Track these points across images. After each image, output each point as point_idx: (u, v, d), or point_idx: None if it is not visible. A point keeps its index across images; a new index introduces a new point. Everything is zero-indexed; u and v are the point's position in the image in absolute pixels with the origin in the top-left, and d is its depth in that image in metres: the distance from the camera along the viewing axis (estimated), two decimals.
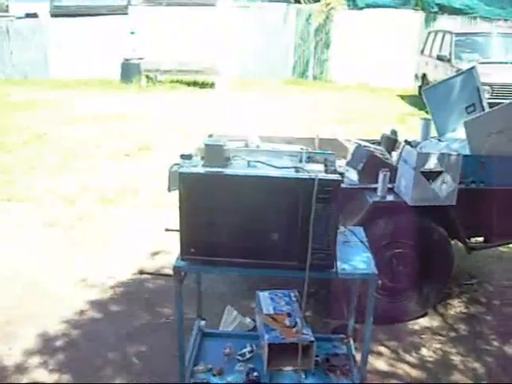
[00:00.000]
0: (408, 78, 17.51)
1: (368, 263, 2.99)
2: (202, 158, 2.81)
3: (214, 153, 2.75)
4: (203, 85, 16.88)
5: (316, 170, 2.74)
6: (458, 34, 13.65)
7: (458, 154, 3.87)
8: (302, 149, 4.29)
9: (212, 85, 16.40)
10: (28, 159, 8.66)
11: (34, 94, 15.24)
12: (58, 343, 4.01)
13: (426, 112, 6.80)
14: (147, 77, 16.58)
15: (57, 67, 18.53)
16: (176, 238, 3.22)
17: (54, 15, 19.43)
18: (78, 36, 18.38)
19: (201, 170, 2.70)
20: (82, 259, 5.31)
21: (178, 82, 16.96)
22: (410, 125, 11.20)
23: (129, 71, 16.56)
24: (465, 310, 4.60)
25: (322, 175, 2.68)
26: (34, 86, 16.71)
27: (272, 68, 18.58)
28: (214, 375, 3.40)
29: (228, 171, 2.71)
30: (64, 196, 6.98)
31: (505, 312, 4.61)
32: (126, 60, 16.81)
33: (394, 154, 4.73)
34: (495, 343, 4.17)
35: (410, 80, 17.26)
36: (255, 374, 3.33)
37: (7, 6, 18.50)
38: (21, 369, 3.71)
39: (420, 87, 15.05)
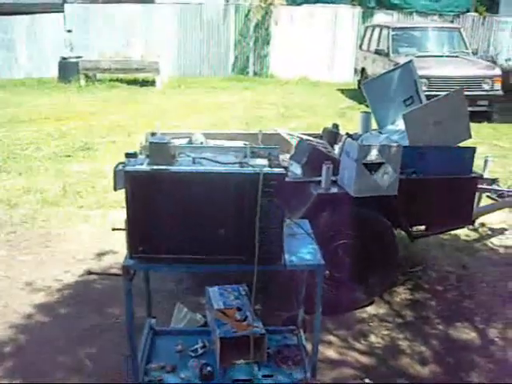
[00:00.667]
0: (347, 72, 17.84)
1: (315, 254, 3.05)
2: (147, 156, 2.81)
3: (160, 150, 2.75)
4: (144, 82, 16.72)
5: (260, 165, 2.78)
6: (395, 29, 13.94)
7: (399, 145, 3.97)
8: (245, 144, 4.33)
9: (153, 82, 16.25)
10: None
11: None
12: (6, 349, 3.93)
13: (366, 105, 6.96)
14: (86, 76, 16.29)
15: None
16: (122, 236, 3.21)
17: None
18: (12, 35, 17.88)
19: (146, 167, 2.70)
20: (26, 263, 5.20)
21: (117, 80, 16.73)
22: (350, 118, 11.41)
23: (67, 70, 16.22)
24: (410, 297, 4.73)
25: (267, 169, 2.72)
26: None
27: (213, 65, 18.58)
28: (167, 372, 3.40)
29: (174, 168, 2.72)
30: (4, 199, 6.81)
31: (448, 297, 4.77)
32: (64, 59, 16.46)
33: (337, 147, 4.83)
34: (440, 327, 4.31)
35: (350, 74, 17.58)
36: (208, 368, 3.35)
37: None
38: None
39: (359, 81, 15.33)
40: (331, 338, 4.12)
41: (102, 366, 3.73)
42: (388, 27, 14.15)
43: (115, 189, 3.31)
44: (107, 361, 3.78)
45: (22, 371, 3.70)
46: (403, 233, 4.67)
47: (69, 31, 17.30)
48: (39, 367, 3.74)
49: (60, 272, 5.03)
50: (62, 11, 18.11)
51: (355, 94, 14.60)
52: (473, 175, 4.55)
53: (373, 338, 4.16)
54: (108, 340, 4.02)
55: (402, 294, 4.78)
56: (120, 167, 2.90)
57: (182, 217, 2.72)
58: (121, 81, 16.74)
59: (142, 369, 3.39)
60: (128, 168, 2.69)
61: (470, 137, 4.67)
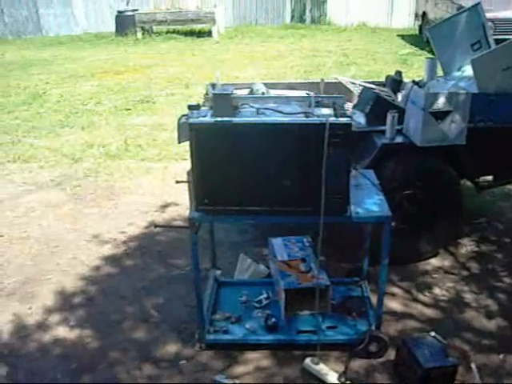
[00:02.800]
0: (407, 17, 17.25)
1: (381, 205, 3.00)
2: (211, 107, 2.79)
3: (223, 102, 2.72)
4: (200, 33, 16.61)
5: (326, 114, 2.72)
6: None
7: (467, 93, 3.82)
8: (307, 94, 4.25)
9: (209, 33, 16.13)
10: (29, 118, 8.60)
11: (28, 52, 15.06)
12: (77, 300, 4.05)
13: (428, 51, 6.73)
14: (142, 29, 16.30)
15: (49, 24, 18.22)
16: (184, 189, 3.23)
17: None
18: None
19: (210, 119, 2.68)
20: (92, 216, 5.33)
21: (174, 32, 16.68)
22: (411, 65, 11.09)
23: (123, 24, 16.27)
24: (476, 249, 4.62)
25: (333, 119, 2.65)
26: (28, 44, 16.50)
27: (269, 14, 18.26)
28: (232, 323, 3.46)
29: (237, 120, 2.69)
30: (68, 154, 6.96)
31: None
32: (120, 13, 16.50)
33: (400, 95, 4.68)
34: (507, 280, 4.20)
35: (410, 19, 17.00)
36: (273, 319, 3.38)
37: None
38: (42, 327, 3.76)
39: (420, 26, 14.81)
40: (395, 289, 4.08)
41: (169, 316, 3.81)
42: None
43: (179, 141, 3.32)
44: (173, 311, 3.86)
45: (92, 321, 3.82)
46: (469, 183, 4.54)
47: None
48: (108, 317, 3.85)
49: (125, 224, 5.13)
50: None
51: (416, 40, 14.15)
52: None
53: (437, 291, 4.09)
54: (173, 291, 4.10)
55: (467, 245, 4.67)
56: (183, 119, 2.89)
57: (246, 168, 2.71)
58: (177, 32, 16.68)
59: (208, 319, 3.45)
60: (192, 120, 2.68)
61: None
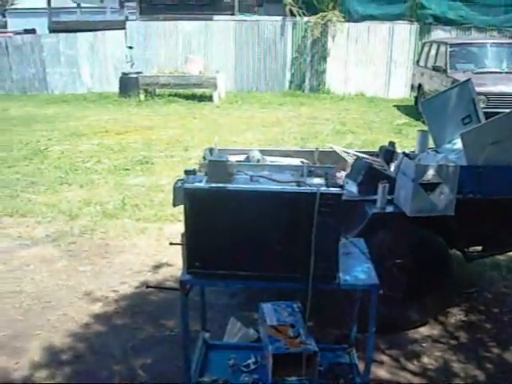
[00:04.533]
0: (404, 88, 17.70)
1: (369, 274, 3.06)
2: (206, 173, 2.88)
3: (218, 168, 2.82)
4: (201, 97, 16.97)
5: (317, 184, 2.81)
6: (452, 45, 13.75)
7: (456, 165, 3.94)
8: (302, 162, 4.37)
9: (210, 98, 16.49)
10: (29, 174, 8.73)
11: (33, 109, 15.35)
12: (65, 357, 4.05)
13: (422, 122, 6.91)
14: (145, 91, 16.67)
15: (55, 82, 18.66)
16: (178, 250, 3.29)
17: (52, 30, 19.60)
18: (76, 51, 18.52)
19: (205, 185, 2.77)
20: (85, 273, 5.36)
21: (176, 95, 17.04)
22: (406, 135, 11.32)
23: (127, 86, 16.65)
24: (465, 318, 4.65)
25: (324, 189, 2.75)
26: (33, 101, 16.83)
27: (269, 81, 18.72)
28: None
29: (231, 186, 2.78)
30: (65, 210, 7.04)
31: (504, 319, 4.66)
32: (124, 74, 16.91)
33: (393, 166, 4.81)
34: (495, 350, 4.22)
35: (406, 90, 17.44)
36: None
37: (6, 22, 18.62)
38: (28, 382, 3.75)
39: (416, 97, 15.18)
40: (383, 357, 4.08)
41: (156, 377, 3.81)
42: (446, 43, 13.97)
43: (174, 205, 3.40)
44: (161, 372, 3.86)
45: (79, 378, 3.81)
46: (459, 253, 4.61)
47: (130, 47, 17.77)
48: (95, 375, 3.84)
49: (117, 283, 5.16)
50: (124, 28, 18.64)
51: (412, 111, 14.46)
52: None
53: (425, 360, 4.10)
54: (162, 352, 4.10)
55: (456, 315, 4.70)
56: (179, 184, 2.98)
57: (238, 234, 2.78)
58: (179, 96, 17.04)
59: (195, 381, 3.45)
60: (187, 185, 2.77)
61: None
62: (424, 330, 4.44)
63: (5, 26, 36.99)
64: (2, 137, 11.57)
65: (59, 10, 21.57)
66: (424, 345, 4.27)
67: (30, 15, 32.21)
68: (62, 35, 18.62)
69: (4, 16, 40.71)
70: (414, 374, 3.92)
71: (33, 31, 25.52)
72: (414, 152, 4.87)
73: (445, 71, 13.20)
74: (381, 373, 3.89)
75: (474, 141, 4.44)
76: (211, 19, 18.63)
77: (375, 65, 18.13)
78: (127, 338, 4.28)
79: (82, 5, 21.69)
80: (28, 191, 7.84)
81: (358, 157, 4.85)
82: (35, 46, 18.45)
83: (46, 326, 4.44)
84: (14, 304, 4.78)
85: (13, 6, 40.76)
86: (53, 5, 21.83)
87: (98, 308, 4.73)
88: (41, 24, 24.40)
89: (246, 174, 2.92)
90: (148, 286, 4.22)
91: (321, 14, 18.01)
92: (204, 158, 4.61)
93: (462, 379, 3.87)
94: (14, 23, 33.78)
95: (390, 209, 4.09)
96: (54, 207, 7.16)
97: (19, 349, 4.14)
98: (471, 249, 4.69)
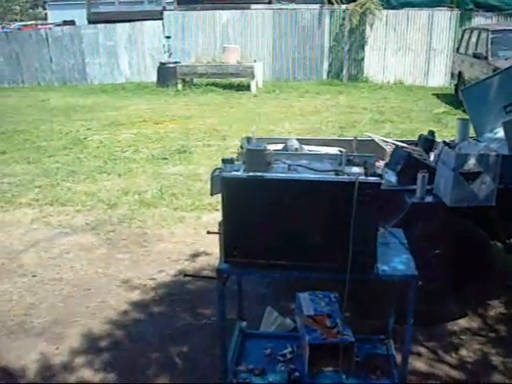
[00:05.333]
0: (443, 76, 17.41)
1: (408, 264, 3.02)
2: (244, 162, 2.87)
3: (256, 157, 2.81)
4: (239, 87, 16.98)
5: (356, 173, 2.78)
6: (494, 31, 13.45)
7: (497, 155, 3.85)
8: (340, 151, 4.33)
9: (248, 87, 16.47)
10: (68, 163, 8.88)
11: (72, 99, 15.58)
12: (103, 343, 4.12)
13: (463, 111, 6.78)
14: (183, 80, 16.76)
15: (94, 73, 18.90)
16: (215, 239, 3.30)
17: (91, 21, 19.85)
18: (114, 42, 18.71)
19: (243, 174, 2.77)
20: (123, 261, 5.43)
21: (213, 84, 17.08)
22: (445, 124, 11.13)
23: (165, 75, 16.77)
24: (505, 311, 4.56)
25: (362, 178, 2.71)
26: (73, 91, 17.09)
27: (307, 70, 18.61)
28: (255, 375, 3.45)
29: (269, 175, 2.77)
30: (104, 199, 7.13)
31: None
32: (162, 64, 17.02)
33: (432, 155, 4.73)
34: None
35: (446, 78, 17.15)
36: (297, 374, 3.38)
37: (46, 15, 18.93)
38: (67, 368, 3.82)
39: (456, 85, 14.92)
40: (421, 349, 4.04)
41: (193, 365, 3.84)
42: (487, 30, 13.68)
43: (212, 194, 3.41)
44: (198, 360, 3.89)
45: (117, 365, 3.87)
46: (500, 244, 4.52)
47: (167, 37, 17.86)
48: (133, 362, 3.89)
49: (155, 271, 5.21)
50: (161, 18, 18.74)
51: (451, 99, 14.22)
52: None
53: (464, 352, 4.03)
54: (199, 340, 4.13)
55: (496, 307, 4.61)
56: (217, 173, 2.98)
57: (276, 223, 2.77)
58: (216, 85, 17.07)
59: (231, 370, 3.46)
60: (225, 174, 2.77)
61: None
62: (463, 323, 4.37)
63: (45, 18, 37.61)
64: (43, 127, 11.78)
65: (98, 1, 21.76)
66: (463, 337, 4.21)
67: (69, 7, 32.59)
68: (101, 26, 18.84)
69: (44, 8, 41.34)
70: (452, 366, 3.87)
71: (72, 23, 25.88)
72: (454, 141, 4.78)
73: (486, 58, 12.93)
74: (418, 364, 3.85)
75: None
76: (249, 8, 18.58)
77: (414, 53, 17.87)
78: (164, 326, 4.32)
79: None
80: (68, 180, 7.98)
81: (396, 146, 4.78)
82: (75, 37, 18.72)
83: (85, 313, 4.51)
84: (54, 291, 4.87)
85: None
86: None
87: (135, 296, 4.79)
88: (80, 15, 24.70)
89: (284, 163, 2.90)
90: (186, 275, 4.25)
91: (359, 1, 17.82)
92: (241, 147, 4.60)
93: (501, 373, 3.80)
94: (54, 15, 34.30)
95: (429, 199, 4.03)
96: (93, 196, 7.27)
97: (59, 335, 4.22)
98: None
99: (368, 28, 18.03)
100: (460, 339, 4.19)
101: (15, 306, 4.65)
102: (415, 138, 5.28)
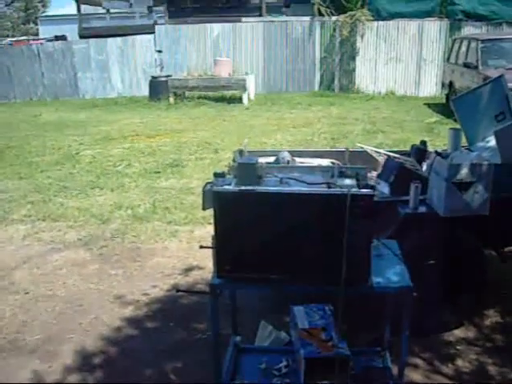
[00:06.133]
0: (434, 86, 17.51)
1: (402, 276, 3.00)
2: (235, 176, 2.86)
3: (247, 171, 2.80)
4: (231, 99, 17.00)
5: (348, 185, 2.77)
6: (483, 41, 13.53)
7: (490, 164, 3.85)
8: (332, 163, 4.32)
9: (240, 99, 16.50)
10: (61, 178, 8.84)
11: (64, 113, 15.57)
12: (96, 360, 4.08)
13: (454, 120, 6.76)
14: (175, 94, 16.77)
15: (86, 87, 18.92)
16: (209, 253, 3.27)
17: (82, 36, 19.89)
18: (106, 56, 18.74)
19: (234, 188, 2.75)
20: (116, 277, 5.39)
21: (205, 97, 17.10)
22: (438, 133, 11.16)
23: (157, 89, 16.79)
24: (500, 320, 4.54)
25: (355, 190, 2.70)
26: (65, 106, 17.08)
27: (298, 81, 18.68)
28: None
29: (261, 189, 2.75)
30: (97, 214, 7.10)
31: None
32: (154, 78, 17.04)
33: (425, 165, 4.73)
34: None
35: (437, 88, 17.25)
36: None
37: (37, 30, 19.01)
38: None
39: (447, 95, 14.98)
40: (417, 360, 4.01)
41: (187, 381, 3.80)
42: (476, 39, 13.76)
43: (204, 208, 3.39)
44: (192, 376, 3.85)
45: (111, 382, 3.82)
46: (494, 253, 4.51)
47: (159, 51, 17.90)
48: (126, 379, 3.85)
49: (148, 286, 5.17)
50: (153, 32, 18.78)
51: (443, 109, 14.28)
52: None
53: (460, 363, 4.01)
54: (193, 355, 4.09)
55: (492, 317, 4.59)
56: (208, 187, 2.97)
57: (268, 237, 2.75)
58: (209, 98, 17.10)
59: None
60: (216, 188, 2.75)
61: None
62: (459, 333, 4.35)
63: (37, 33, 37.68)
64: (35, 142, 11.75)
65: (89, 16, 21.84)
66: (459, 347, 4.19)
67: (60, 22, 32.68)
68: (92, 41, 18.88)
69: (36, 24, 41.43)
70: (449, 377, 3.84)
71: (63, 38, 25.92)
72: (446, 151, 4.78)
73: (476, 68, 13.01)
74: (415, 376, 3.82)
75: (509, 138, 4.33)
76: (239, 21, 18.66)
77: (405, 63, 17.97)
78: (158, 342, 4.28)
79: (112, 10, 21.93)
80: (60, 195, 7.94)
81: (389, 156, 4.77)
82: (66, 52, 18.75)
83: (78, 330, 4.47)
84: (46, 308, 4.83)
85: (44, 14, 41.48)
86: (83, 11, 22.14)
87: (129, 311, 4.75)
88: (72, 30, 24.75)
89: (276, 176, 2.89)
90: (178, 290, 4.22)
91: (349, 13, 17.93)
92: (234, 160, 4.59)
93: (498, 382, 3.77)
94: (46, 31, 34.38)
95: (422, 209, 4.02)
96: (86, 211, 7.23)
97: (52, 352, 4.17)
98: (506, 249, 4.59)
99: (359, 39, 18.12)
100: (456, 349, 4.16)
101: (7, 323, 4.60)
102: (407, 148, 5.28)
